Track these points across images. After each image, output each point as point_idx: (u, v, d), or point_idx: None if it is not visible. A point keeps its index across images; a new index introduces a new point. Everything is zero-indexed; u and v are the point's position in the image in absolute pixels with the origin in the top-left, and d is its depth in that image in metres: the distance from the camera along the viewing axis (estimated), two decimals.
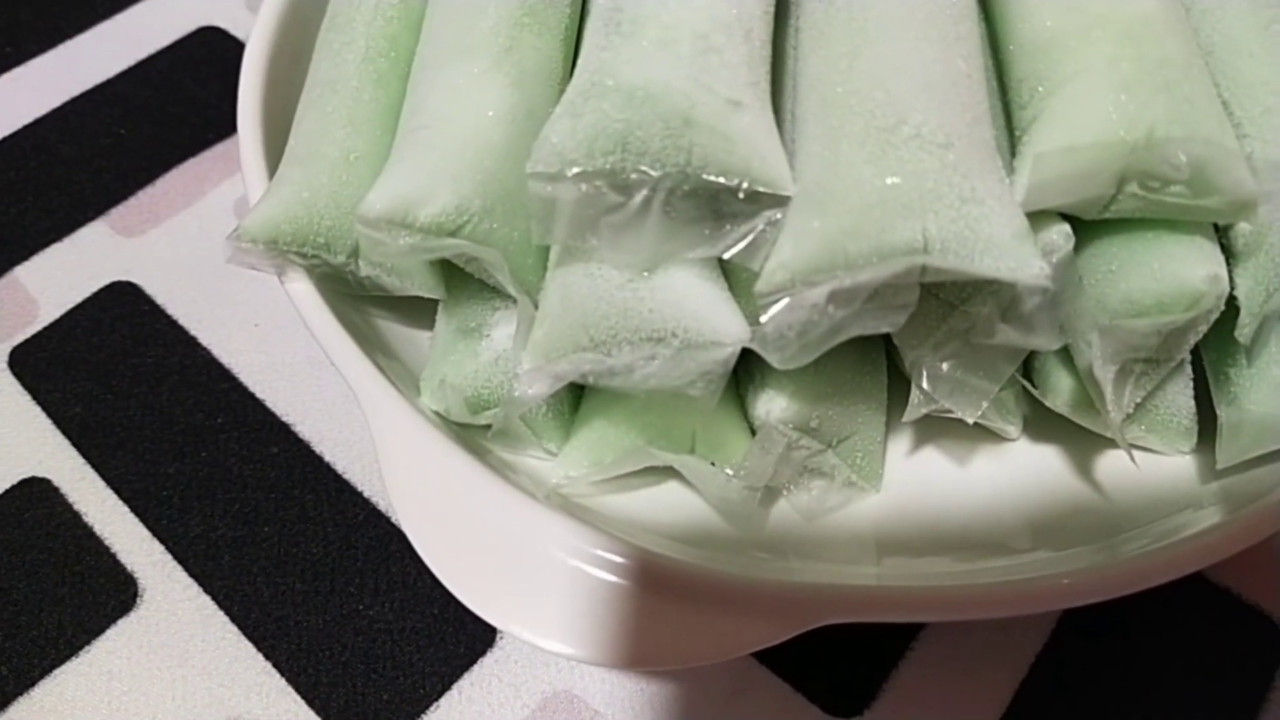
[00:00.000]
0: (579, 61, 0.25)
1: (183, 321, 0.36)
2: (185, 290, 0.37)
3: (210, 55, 0.43)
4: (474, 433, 0.30)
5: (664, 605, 0.25)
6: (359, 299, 0.32)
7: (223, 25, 0.45)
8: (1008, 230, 0.22)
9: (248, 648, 0.30)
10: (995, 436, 0.32)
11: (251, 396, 0.35)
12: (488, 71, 0.28)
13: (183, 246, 0.38)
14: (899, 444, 0.32)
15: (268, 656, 0.30)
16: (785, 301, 0.23)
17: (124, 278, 0.38)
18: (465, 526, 0.26)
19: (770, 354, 0.24)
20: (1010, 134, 0.26)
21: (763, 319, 0.24)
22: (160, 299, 0.37)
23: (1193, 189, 0.23)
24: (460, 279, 0.30)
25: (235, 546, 0.32)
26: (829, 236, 0.23)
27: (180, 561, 0.32)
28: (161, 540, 0.32)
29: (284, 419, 0.34)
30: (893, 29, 0.24)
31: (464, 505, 0.27)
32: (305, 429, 0.34)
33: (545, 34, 0.29)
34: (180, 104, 0.42)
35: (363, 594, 0.31)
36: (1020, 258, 0.22)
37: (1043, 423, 0.31)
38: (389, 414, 0.27)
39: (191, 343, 0.36)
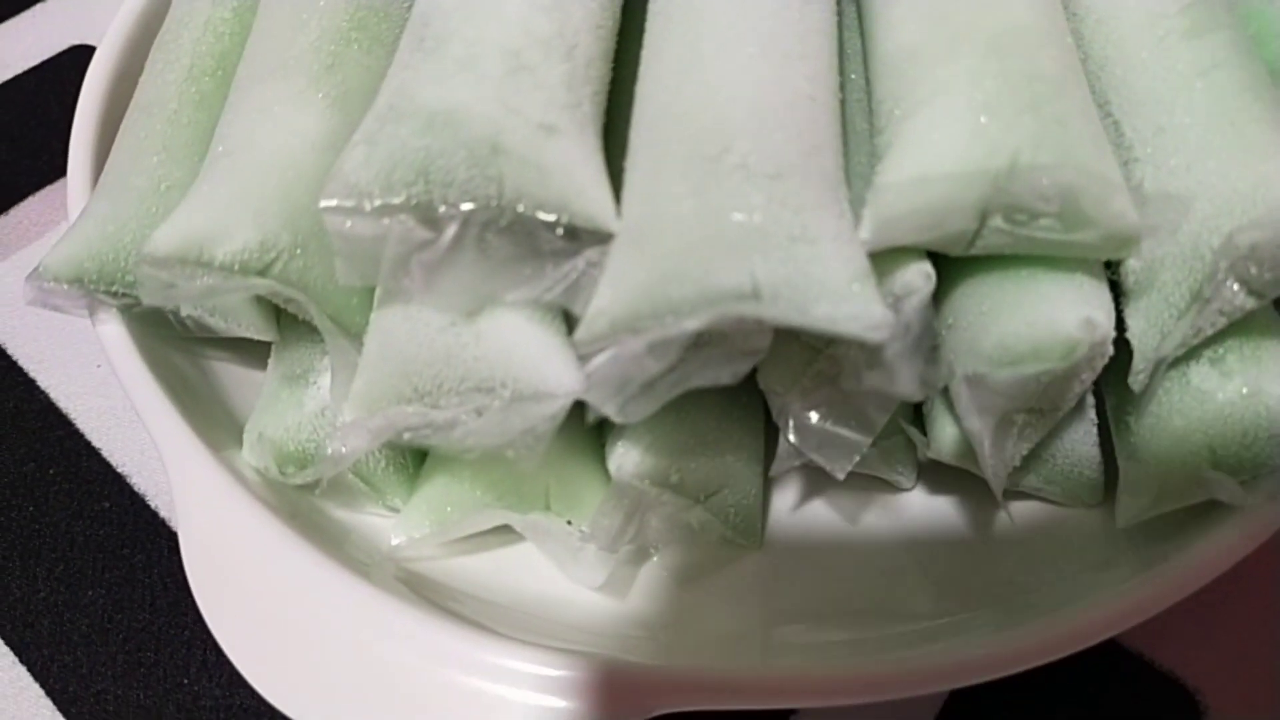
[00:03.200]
0: (384, 82, 0.22)
1: (23, 363, 0.34)
2: (29, 328, 0.34)
3: (79, 76, 0.40)
4: (305, 491, 0.27)
5: (494, 692, 0.23)
6: (194, 341, 0.29)
7: (94, 43, 0.42)
8: (844, 273, 0.19)
9: None
10: (890, 485, 0.29)
11: (88, 445, 0.32)
12: (303, 92, 0.25)
13: None
14: (784, 495, 0.30)
15: None
16: (610, 352, 0.21)
17: None
18: (272, 611, 0.23)
19: (603, 407, 0.22)
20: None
21: (586, 370, 0.21)
22: (2, 338, 0.34)
23: (1065, 222, 0.20)
24: (293, 319, 0.27)
25: (56, 612, 0.29)
26: (650, 280, 0.20)
27: None
28: None
29: (119, 469, 0.32)
30: (728, 45, 0.21)
31: (272, 585, 0.24)
32: (141, 481, 0.31)
33: (375, 49, 0.26)
34: (43, 128, 0.40)
35: (189, 666, 0.28)
36: (858, 305, 0.19)
37: (941, 470, 0.29)
38: (189, 472, 0.25)
39: (30, 385, 0.33)
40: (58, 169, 0.38)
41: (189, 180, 0.26)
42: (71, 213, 0.28)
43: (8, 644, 0.29)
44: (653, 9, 0.24)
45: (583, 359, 0.21)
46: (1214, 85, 0.23)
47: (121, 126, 0.28)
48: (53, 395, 0.33)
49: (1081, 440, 0.27)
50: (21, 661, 0.28)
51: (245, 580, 0.24)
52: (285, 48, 0.26)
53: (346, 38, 0.26)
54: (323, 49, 0.26)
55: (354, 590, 0.24)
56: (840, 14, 0.27)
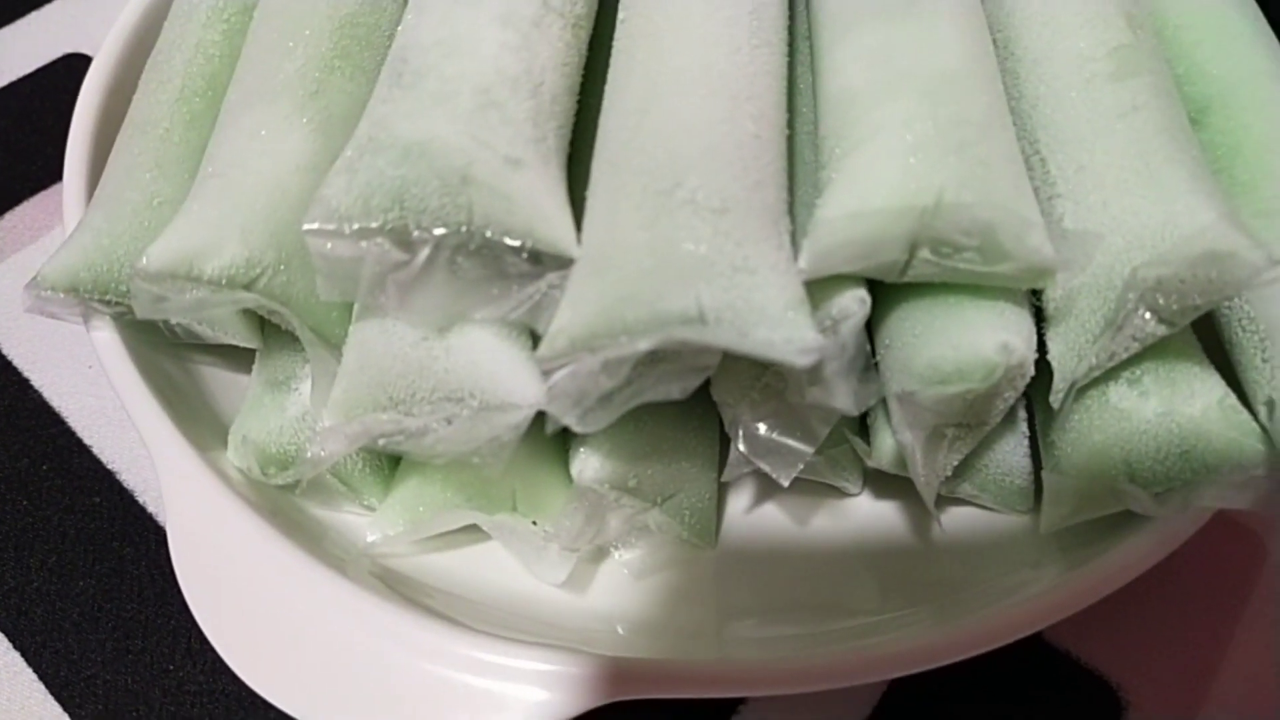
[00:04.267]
0: (364, 113, 0.24)
1: (17, 363, 0.35)
2: (23, 330, 0.36)
3: (73, 83, 0.42)
4: (286, 490, 0.29)
5: (458, 678, 0.24)
6: (182, 347, 0.31)
7: (88, 52, 0.44)
8: (780, 301, 0.21)
9: (54, 708, 0.29)
10: (838, 490, 0.31)
11: (79, 442, 0.34)
12: (289, 116, 0.27)
13: (24, 283, 0.37)
14: (739, 498, 0.32)
15: (73, 717, 0.29)
16: (570, 368, 0.22)
17: None
18: (253, 602, 0.25)
19: (564, 418, 0.23)
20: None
21: (547, 385, 0.23)
22: None
23: (985, 256, 0.22)
24: (276, 328, 0.29)
25: (48, 600, 0.31)
26: (606, 303, 0.22)
27: None
28: None
29: (109, 466, 0.33)
30: (683, 86, 0.23)
31: (254, 579, 0.26)
32: (130, 477, 0.33)
33: (358, 76, 0.28)
34: (37, 135, 0.41)
35: (175, 653, 0.30)
36: (792, 330, 0.21)
37: (885, 476, 0.31)
38: (177, 472, 0.26)
39: (24, 384, 0.35)
40: (52, 174, 0.40)
41: (180, 196, 0.28)
42: (67, 223, 0.30)
43: (3, 631, 0.30)
44: (617, 47, 0.26)
45: (545, 374, 0.23)
46: (1132, 127, 0.25)
47: (116, 143, 0.30)
48: (46, 394, 0.35)
49: (1012, 452, 0.29)
50: (16, 647, 0.30)
51: (229, 573, 0.26)
52: (272, 74, 0.27)
53: (330, 65, 0.28)
54: (308, 75, 0.27)
55: (331, 584, 0.25)
56: (794, 51, 0.29)
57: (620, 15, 0.26)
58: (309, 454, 0.25)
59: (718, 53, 0.24)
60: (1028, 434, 0.29)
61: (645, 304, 0.22)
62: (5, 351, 0.36)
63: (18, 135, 0.41)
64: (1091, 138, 0.25)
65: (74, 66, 0.43)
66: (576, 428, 0.23)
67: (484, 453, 0.24)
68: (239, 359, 0.31)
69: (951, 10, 0.25)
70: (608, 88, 0.25)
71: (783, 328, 0.21)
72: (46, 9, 0.45)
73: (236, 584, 0.26)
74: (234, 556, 0.26)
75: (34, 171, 0.40)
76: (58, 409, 0.34)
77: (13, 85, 0.42)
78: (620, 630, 0.28)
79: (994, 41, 0.29)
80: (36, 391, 0.35)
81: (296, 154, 0.26)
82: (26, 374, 0.35)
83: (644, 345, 0.22)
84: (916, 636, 0.26)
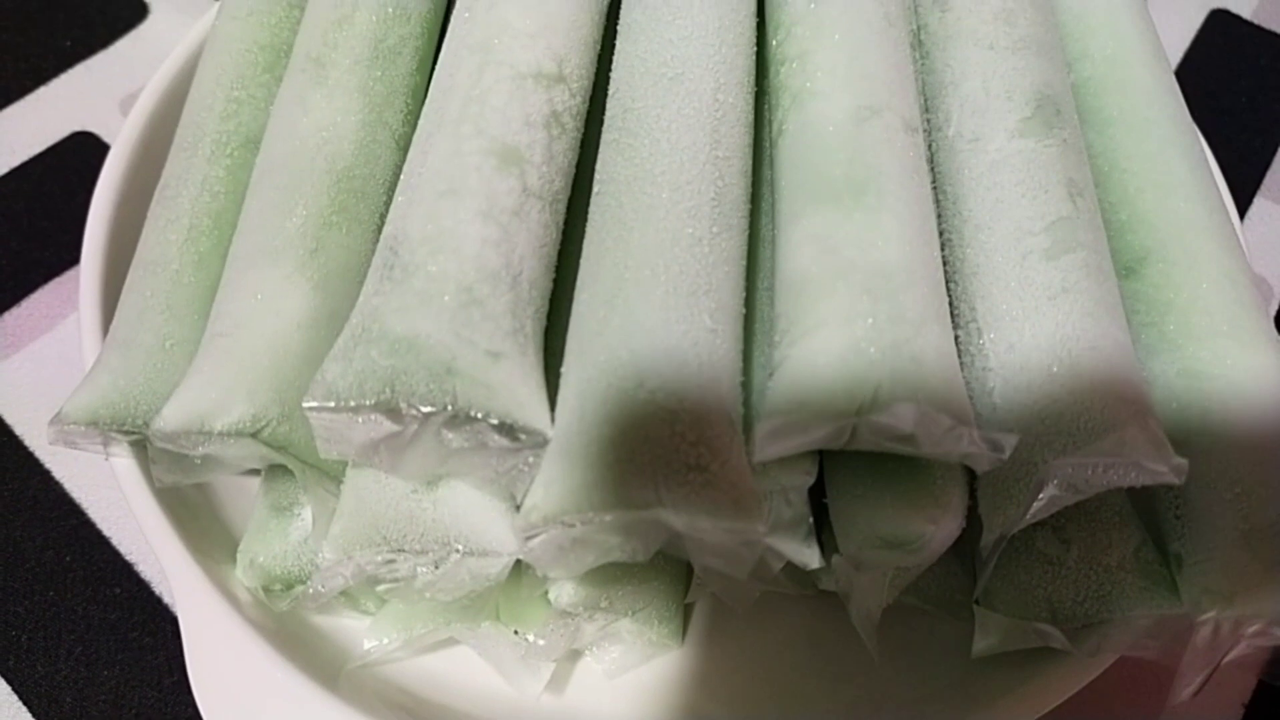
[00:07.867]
0: (358, 301, 0.26)
1: (39, 454, 0.38)
2: (43, 420, 0.38)
3: (80, 164, 0.44)
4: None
5: None
6: None
7: (95, 130, 0.45)
8: (729, 497, 0.24)
9: None
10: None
11: (99, 534, 0.36)
12: (290, 276, 0.29)
13: (43, 373, 0.39)
14: (708, 597, 0.34)
15: None
16: (543, 536, 0.25)
17: None
18: (256, 709, 0.28)
19: (542, 571, 0.26)
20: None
21: (525, 548, 0.25)
22: (19, 429, 0.38)
23: (916, 443, 0.25)
24: None
25: (77, 688, 0.34)
26: (574, 486, 0.24)
27: (25, 702, 0.34)
28: (8, 680, 0.34)
29: (128, 558, 0.36)
30: (646, 283, 0.25)
31: (256, 689, 0.29)
32: (146, 569, 0.36)
33: (355, 229, 0.30)
34: (49, 218, 0.43)
35: None
36: (736, 523, 0.23)
37: None
38: (191, 592, 0.29)
39: (45, 476, 0.38)
40: (66, 259, 0.42)
41: (190, 337, 0.30)
42: (85, 356, 0.32)
43: (36, 717, 0.33)
44: (591, 224, 0.28)
45: (524, 539, 0.25)
46: (1060, 309, 0.27)
47: (127, 280, 0.32)
48: (66, 486, 0.37)
49: (954, 573, 0.31)
50: None
51: (235, 683, 0.29)
52: (274, 232, 0.29)
53: (328, 221, 0.30)
54: (307, 234, 0.29)
55: (322, 700, 0.28)
56: (760, 199, 0.31)
57: (595, 188, 0.29)
58: (310, 590, 0.28)
59: (679, 248, 0.26)
60: (970, 555, 0.31)
61: (609, 490, 0.24)
62: (27, 443, 0.38)
63: (29, 219, 0.43)
64: (1022, 317, 0.27)
65: (81, 145, 0.45)
66: (553, 576, 0.26)
67: (469, 597, 0.27)
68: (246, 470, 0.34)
69: (896, 200, 0.27)
70: (582, 264, 0.27)
71: (729, 520, 0.24)
72: (53, 84, 0.47)
73: (241, 693, 0.29)
74: (238, 668, 0.29)
75: (47, 257, 0.42)
76: (78, 500, 0.37)
77: (22, 167, 0.44)
78: None
79: (945, 193, 0.31)
80: (58, 483, 0.37)
81: (297, 313, 0.29)
82: (48, 466, 0.38)
83: (610, 529, 0.24)
84: None
